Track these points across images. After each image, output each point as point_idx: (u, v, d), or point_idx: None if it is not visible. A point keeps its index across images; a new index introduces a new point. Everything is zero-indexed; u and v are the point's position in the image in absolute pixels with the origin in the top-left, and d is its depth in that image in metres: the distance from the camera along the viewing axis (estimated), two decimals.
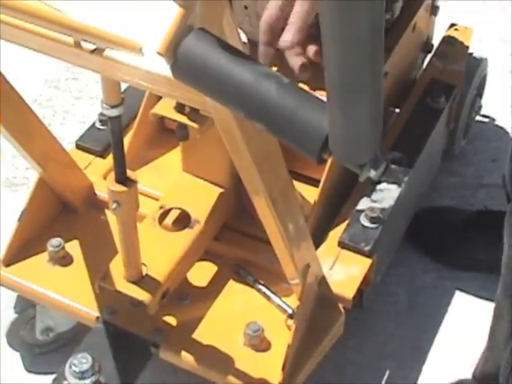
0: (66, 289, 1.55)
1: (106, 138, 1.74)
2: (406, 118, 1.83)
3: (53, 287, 1.55)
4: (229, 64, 0.80)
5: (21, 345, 1.70)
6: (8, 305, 1.71)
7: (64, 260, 1.58)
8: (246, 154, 1.06)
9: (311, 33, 1.32)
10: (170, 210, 1.54)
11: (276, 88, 0.79)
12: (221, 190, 1.56)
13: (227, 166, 1.53)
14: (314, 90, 1.37)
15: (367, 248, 1.57)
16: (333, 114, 0.75)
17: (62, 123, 2.20)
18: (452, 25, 2.06)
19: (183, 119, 1.46)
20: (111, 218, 1.62)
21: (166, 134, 1.72)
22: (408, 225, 1.88)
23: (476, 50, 2.05)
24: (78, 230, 1.63)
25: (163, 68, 0.90)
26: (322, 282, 1.51)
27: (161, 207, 1.54)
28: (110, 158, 1.73)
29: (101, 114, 1.77)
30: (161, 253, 1.47)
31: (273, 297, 1.53)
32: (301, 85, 1.33)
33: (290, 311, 1.51)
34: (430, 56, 2.01)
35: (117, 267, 1.44)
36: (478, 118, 2.14)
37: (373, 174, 0.79)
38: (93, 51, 1.01)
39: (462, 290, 1.87)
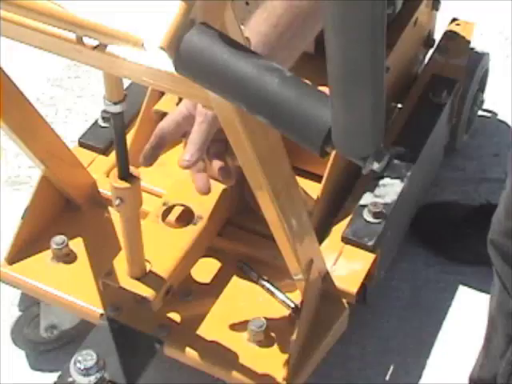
0: (70, 286, 1.55)
1: (109, 135, 1.74)
2: (408, 113, 1.83)
3: (56, 285, 1.56)
4: (231, 58, 0.80)
5: (25, 342, 1.71)
6: (12, 302, 1.71)
7: (67, 257, 1.59)
8: (249, 149, 1.06)
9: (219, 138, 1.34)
10: (173, 206, 1.54)
11: (278, 81, 0.79)
12: (224, 187, 1.56)
13: None
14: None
15: (370, 243, 1.57)
16: (335, 106, 0.75)
17: (65, 121, 2.20)
18: (453, 19, 2.05)
19: None
20: (114, 215, 1.62)
21: None
22: (411, 220, 1.88)
23: (477, 44, 2.05)
24: (81, 228, 1.63)
25: (165, 63, 0.90)
26: (326, 277, 1.52)
27: (164, 204, 1.54)
28: (112, 156, 1.72)
29: (103, 112, 1.77)
30: (164, 249, 1.47)
31: (276, 292, 1.54)
32: None
33: (293, 307, 1.51)
34: (431, 51, 2.01)
35: (120, 264, 1.44)
36: (480, 112, 2.14)
37: (376, 166, 0.79)
38: (95, 47, 1.01)
39: (465, 284, 1.87)
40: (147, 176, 1.57)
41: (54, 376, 1.48)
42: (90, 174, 1.67)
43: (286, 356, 1.43)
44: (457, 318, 1.81)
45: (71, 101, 2.29)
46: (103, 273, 1.45)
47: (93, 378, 1.39)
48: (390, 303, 1.83)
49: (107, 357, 1.43)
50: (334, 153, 1.22)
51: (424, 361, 1.74)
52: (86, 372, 1.39)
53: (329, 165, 1.58)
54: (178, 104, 1.65)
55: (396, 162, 1.70)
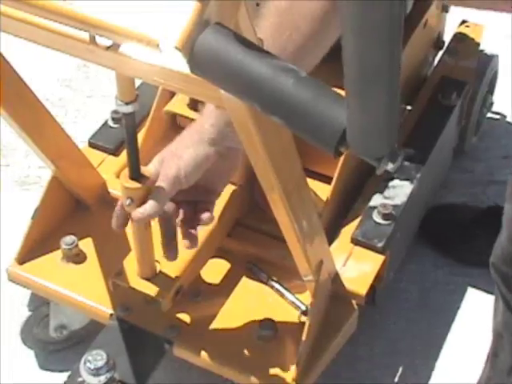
0: (80, 286, 1.56)
1: (119, 135, 1.75)
2: (418, 114, 1.83)
3: (66, 285, 1.56)
4: (246, 58, 0.80)
5: (34, 342, 1.71)
6: (22, 302, 1.71)
7: (77, 257, 1.59)
8: (262, 149, 1.07)
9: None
10: None
11: (293, 82, 0.79)
12: (234, 187, 1.56)
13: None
14: None
15: (380, 244, 1.57)
16: (351, 107, 0.76)
17: (75, 122, 2.21)
18: (463, 21, 2.06)
19: (197, 116, 1.46)
20: None
21: (178, 132, 1.72)
22: (419, 221, 1.88)
23: (487, 46, 2.05)
24: (91, 228, 1.63)
25: (179, 64, 0.90)
26: (335, 278, 1.52)
27: None
28: (122, 156, 1.73)
29: (113, 112, 1.78)
30: None
31: (286, 293, 1.54)
32: None
33: (303, 308, 1.51)
34: (441, 53, 2.01)
35: (130, 264, 1.44)
36: (488, 114, 2.14)
37: (390, 166, 0.79)
38: (108, 48, 1.01)
39: (473, 286, 1.87)
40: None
41: (64, 376, 1.48)
42: (99, 174, 1.68)
43: (295, 357, 1.43)
44: (465, 320, 1.81)
45: (81, 101, 2.29)
46: (113, 273, 1.45)
47: (103, 378, 1.39)
48: (399, 305, 1.83)
49: (117, 357, 1.43)
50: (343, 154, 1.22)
51: (432, 362, 1.74)
52: (96, 372, 1.39)
53: (338, 166, 1.58)
54: (188, 105, 1.66)
55: (405, 163, 1.70)
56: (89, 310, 1.55)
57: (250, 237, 1.60)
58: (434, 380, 1.72)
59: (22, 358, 1.73)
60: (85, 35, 1.02)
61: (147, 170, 1.32)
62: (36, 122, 1.48)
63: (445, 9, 1.95)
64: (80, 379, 1.42)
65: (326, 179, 1.62)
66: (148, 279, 1.43)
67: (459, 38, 2.01)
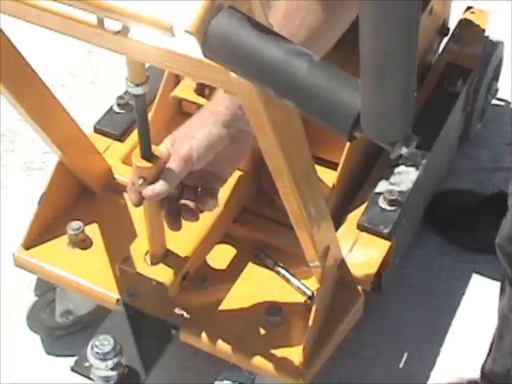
0: (86, 271, 1.56)
1: (124, 121, 1.75)
2: (423, 101, 1.83)
3: (72, 270, 1.56)
4: (259, 42, 0.80)
5: (41, 328, 1.71)
6: (28, 288, 1.72)
7: (83, 243, 1.59)
8: (272, 135, 1.07)
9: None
10: None
11: (307, 66, 0.79)
12: (240, 173, 1.56)
13: None
14: None
15: (386, 230, 1.57)
16: (366, 91, 0.75)
17: (79, 108, 2.20)
18: (468, 8, 2.05)
19: (203, 102, 1.46)
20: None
21: (183, 118, 1.72)
22: (425, 208, 1.88)
23: (492, 33, 2.04)
24: (97, 214, 1.63)
25: (190, 48, 0.90)
26: (342, 264, 1.52)
27: None
28: (128, 142, 1.73)
29: (119, 98, 1.78)
30: (181, 235, 1.47)
31: (292, 279, 1.54)
32: None
33: (309, 293, 1.51)
34: (446, 39, 2.01)
35: (137, 249, 1.44)
36: (493, 101, 2.14)
37: (404, 151, 0.79)
38: (118, 32, 1.01)
39: (478, 272, 1.87)
40: None
41: (70, 361, 1.48)
42: (105, 160, 1.67)
43: (301, 342, 1.44)
44: (470, 306, 1.81)
45: (85, 87, 2.29)
46: (120, 259, 1.45)
47: (110, 363, 1.40)
48: (404, 291, 1.83)
49: (124, 342, 1.43)
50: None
51: (437, 348, 1.75)
52: (104, 357, 1.40)
53: (345, 152, 1.58)
54: (195, 90, 1.66)
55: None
56: (95, 296, 1.55)
57: (256, 223, 1.60)
58: (439, 366, 1.72)
59: (28, 343, 1.73)
60: (93, 19, 1.01)
61: (158, 150, 1.32)
62: (43, 108, 1.47)
63: None
64: (87, 364, 1.42)
65: (333, 165, 1.63)
66: (156, 263, 1.43)
67: (464, 24, 2.01)
